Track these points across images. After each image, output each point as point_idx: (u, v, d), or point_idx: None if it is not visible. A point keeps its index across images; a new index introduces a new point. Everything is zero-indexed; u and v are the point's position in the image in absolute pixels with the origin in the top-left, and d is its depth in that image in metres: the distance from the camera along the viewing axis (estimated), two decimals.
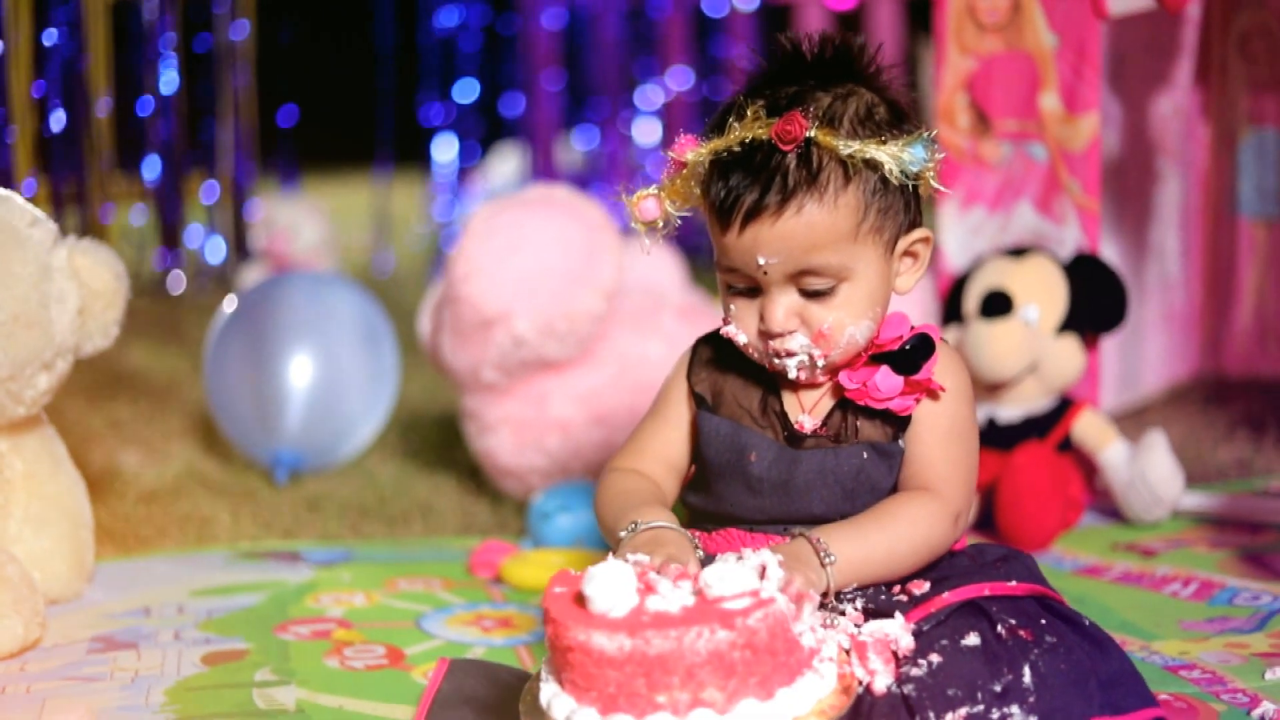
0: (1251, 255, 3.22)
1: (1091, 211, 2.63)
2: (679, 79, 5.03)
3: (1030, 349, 2.49)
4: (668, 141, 5.02)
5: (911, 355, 1.70)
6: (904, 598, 1.65)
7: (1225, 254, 3.27)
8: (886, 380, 1.69)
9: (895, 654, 1.58)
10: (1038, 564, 1.75)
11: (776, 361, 1.70)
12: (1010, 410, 2.53)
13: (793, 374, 1.70)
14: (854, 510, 1.72)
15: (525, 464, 2.62)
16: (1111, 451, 2.47)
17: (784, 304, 1.66)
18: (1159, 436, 2.46)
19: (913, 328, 1.73)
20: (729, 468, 1.75)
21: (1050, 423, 2.52)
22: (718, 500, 1.77)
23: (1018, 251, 2.57)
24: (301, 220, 4.89)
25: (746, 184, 1.63)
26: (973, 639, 1.58)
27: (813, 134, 1.62)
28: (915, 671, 1.55)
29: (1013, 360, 2.48)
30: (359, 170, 6.23)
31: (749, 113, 1.65)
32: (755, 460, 1.73)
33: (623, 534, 1.66)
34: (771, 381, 1.76)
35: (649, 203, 1.73)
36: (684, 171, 1.70)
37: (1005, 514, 2.35)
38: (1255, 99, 3.16)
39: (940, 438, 1.73)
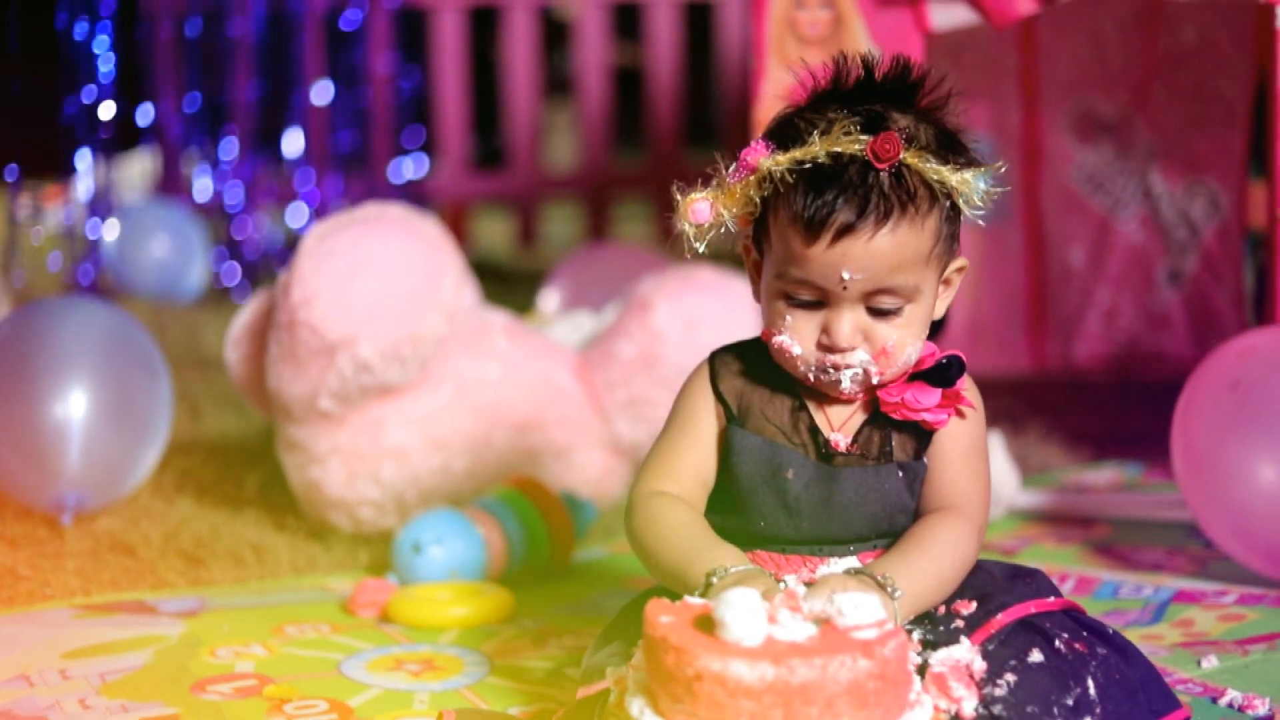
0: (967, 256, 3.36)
1: None
2: (320, 90, 4.88)
3: None
4: (312, 153, 4.89)
5: (947, 370, 1.70)
6: (960, 622, 1.65)
7: None
8: (924, 392, 1.69)
9: (972, 677, 1.59)
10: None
11: (826, 376, 1.67)
12: None
13: (845, 385, 1.67)
14: (892, 530, 1.71)
15: (356, 495, 2.49)
16: None
17: (852, 320, 1.64)
18: (995, 438, 2.54)
19: (935, 349, 1.74)
20: (764, 486, 1.71)
21: None
22: (749, 520, 1.73)
23: None
24: None
25: (843, 198, 1.60)
26: (1036, 656, 1.61)
27: (904, 155, 1.61)
28: (998, 692, 1.58)
29: None
30: None
31: (837, 127, 1.62)
32: (792, 478, 1.70)
33: (714, 580, 1.59)
34: (799, 396, 1.73)
35: (702, 205, 1.68)
36: (749, 178, 1.65)
37: None
38: (969, 108, 3.30)
39: (963, 455, 1.74)
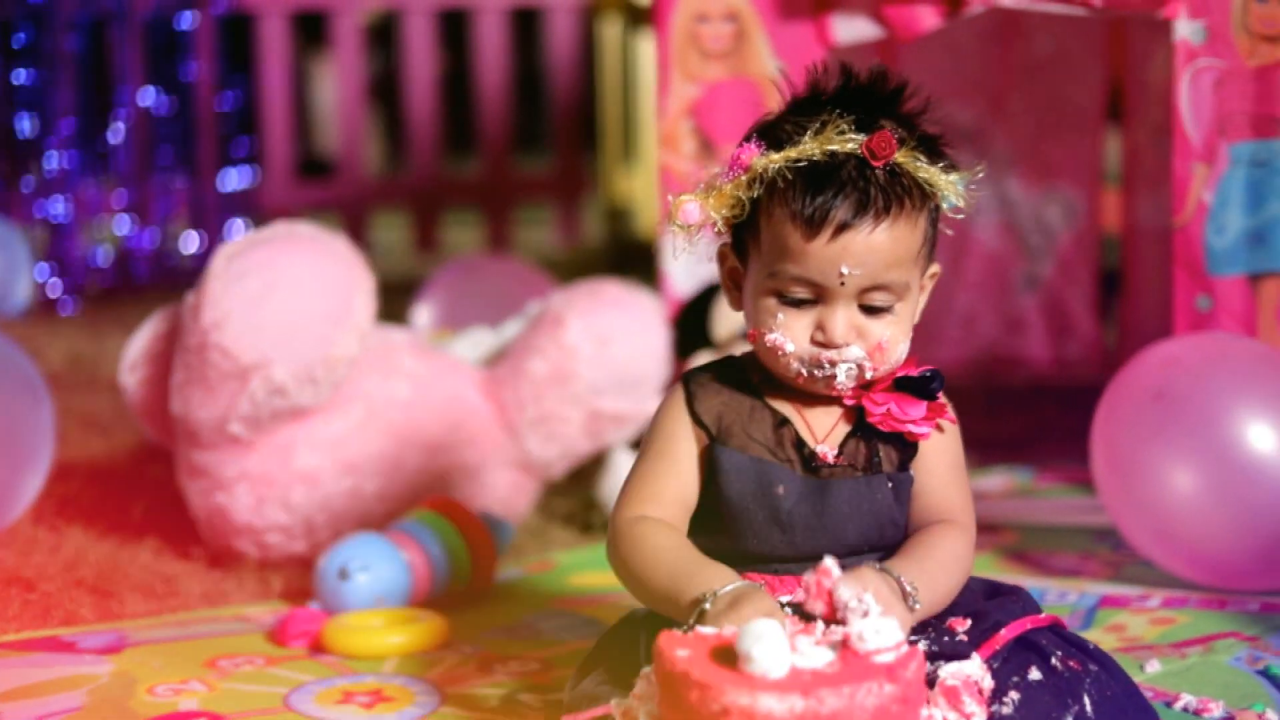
0: None
1: None
2: (144, 99, 4.76)
3: None
4: (136, 163, 4.75)
5: (930, 382, 1.72)
6: (964, 636, 1.66)
7: None
8: (909, 404, 1.71)
9: (981, 693, 1.60)
10: None
11: (820, 371, 1.68)
12: None
13: (841, 379, 1.68)
14: (882, 543, 1.72)
15: (264, 521, 2.43)
16: None
17: (847, 316, 1.66)
18: None
19: (914, 359, 1.76)
20: (754, 504, 1.71)
21: None
22: (738, 540, 1.72)
23: None
24: None
25: (842, 195, 1.62)
26: (1035, 674, 1.63)
27: (896, 155, 1.64)
28: (1005, 710, 1.59)
29: None
30: None
31: (830, 127, 1.64)
32: (784, 494, 1.70)
33: (707, 604, 1.58)
34: (780, 410, 1.73)
35: (691, 206, 1.69)
36: (740, 178, 1.67)
37: None
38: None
39: (950, 468, 1.77)
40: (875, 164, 1.63)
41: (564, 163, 5.56)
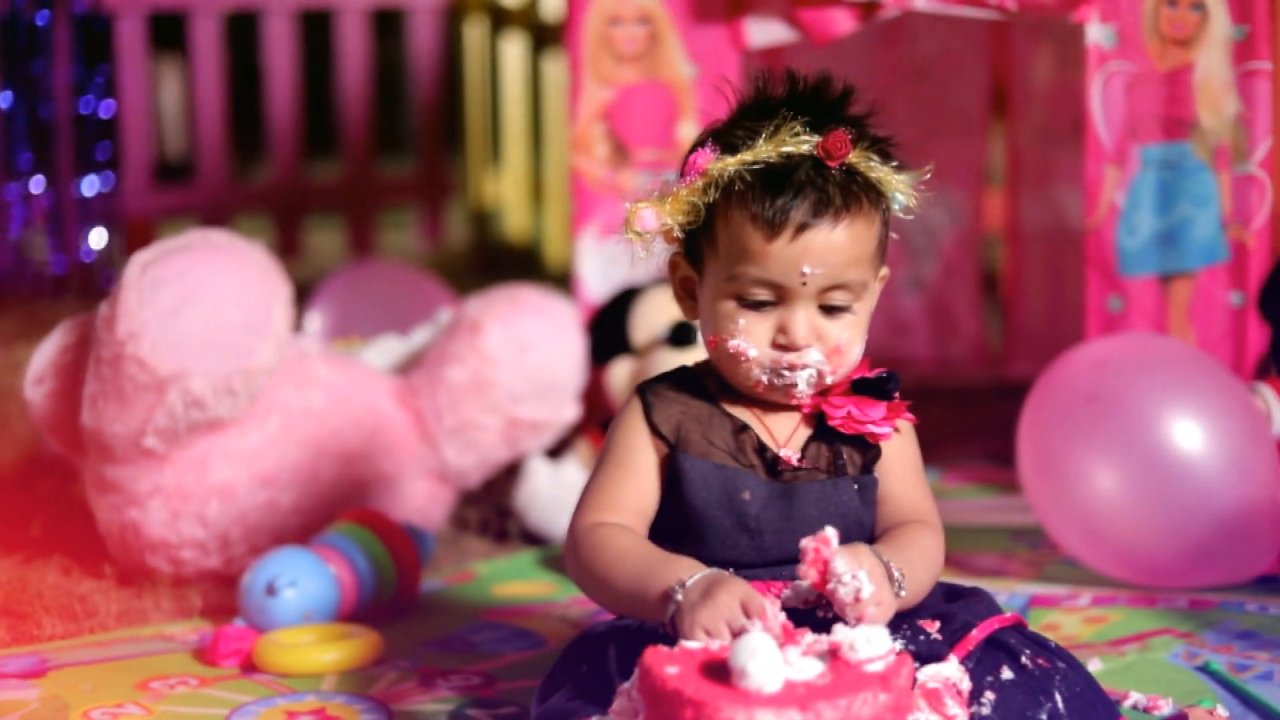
0: None
1: None
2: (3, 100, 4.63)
3: None
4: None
5: (886, 382, 1.73)
6: (938, 636, 1.66)
7: None
8: (869, 405, 1.71)
9: (961, 694, 1.60)
10: None
11: (780, 379, 1.67)
12: None
13: (800, 387, 1.68)
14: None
15: (179, 537, 2.37)
16: None
17: (807, 317, 1.66)
18: None
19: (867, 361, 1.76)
20: (719, 510, 1.69)
21: None
22: (704, 548, 1.70)
23: None
24: None
25: (801, 194, 1.63)
26: (1008, 673, 1.65)
27: (851, 155, 1.65)
28: (984, 711, 1.60)
29: None
30: None
31: (784, 129, 1.65)
32: (750, 499, 1.69)
33: (678, 595, 1.56)
34: (738, 416, 1.73)
35: (647, 213, 1.69)
36: (695, 183, 1.67)
37: None
38: None
39: (914, 470, 1.79)
40: (830, 164, 1.64)
41: (427, 165, 5.49)
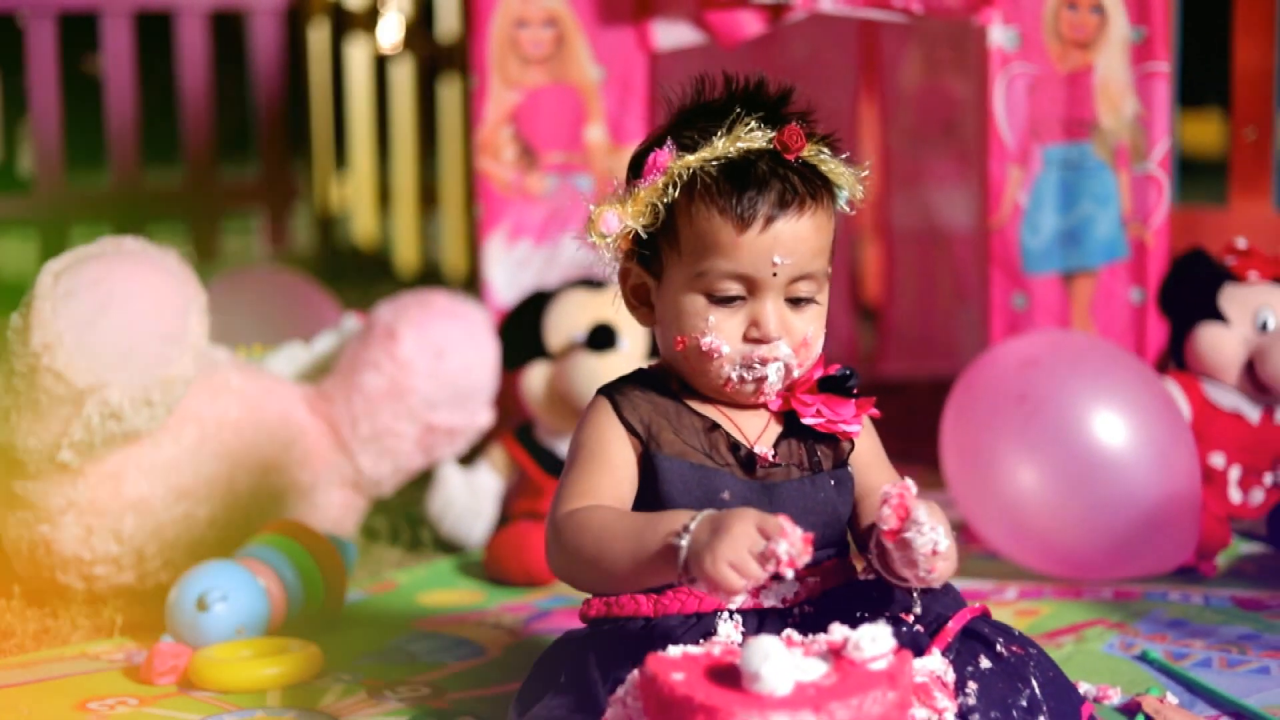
0: None
1: None
2: None
3: None
4: None
5: (848, 379, 1.75)
6: (920, 627, 1.68)
7: None
8: (837, 403, 1.73)
9: (947, 686, 1.62)
10: None
11: (750, 373, 1.68)
12: None
13: (771, 379, 1.69)
14: (830, 541, 1.73)
15: (93, 553, 2.30)
16: None
17: (777, 309, 1.68)
18: None
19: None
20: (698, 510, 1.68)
21: None
22: None
23: (592, 283, 2.59)
24: None
25: (766, 186, 1.65)
26: (985, 661, 1.67)
27: (804, 150, 1.68)
28: (969, 701, 1.62)
29: None
30: None
31: (739, 125, 1.66)
32: (730, 499, 1.68)
33: (684, 540, 1.52)
34: (707, 415, 1.73)
35: (610, 215, 1.69)
36: (655, 183, 1.68)
37: None
38: None
39: (883, 460, 1.82)
40: (788, 157, 1.66)
41: (271, 170, 5.41)
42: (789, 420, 1.74)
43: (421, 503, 2.65)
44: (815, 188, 1.67)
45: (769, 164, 1.66)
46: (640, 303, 1.77)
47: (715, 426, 1.72)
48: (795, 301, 1.69)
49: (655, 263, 1.73)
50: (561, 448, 2.57)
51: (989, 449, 2.28)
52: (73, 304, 2.21)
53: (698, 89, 1.75)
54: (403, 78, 5.35)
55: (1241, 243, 2.53)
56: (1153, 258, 2.58)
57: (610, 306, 2.52)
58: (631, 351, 2.54)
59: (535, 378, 2.56)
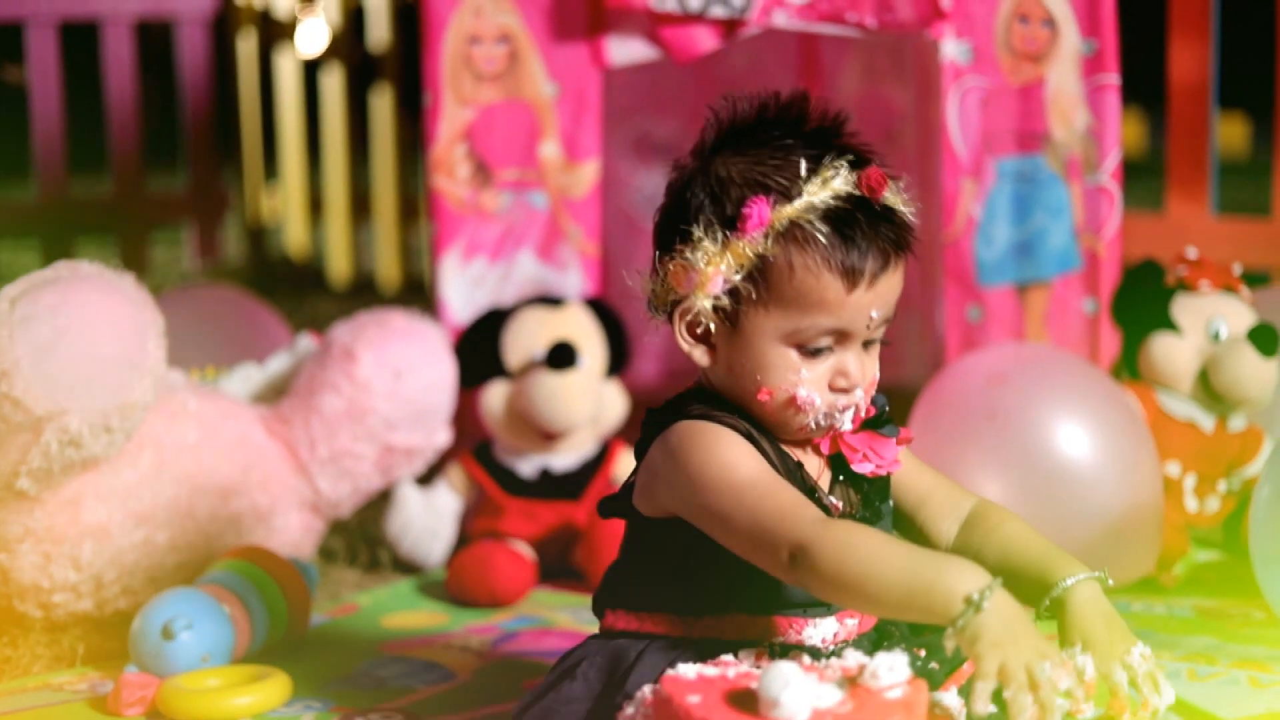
0: None
1: (593, 257, 2.69)
2: None
3: (596, 397, 2.52)
4: None
5: (887, 419, 1.73)
6: (935, 664, 1.66)
7: None
8: (881, 444, 1.70)
9: None
10: None
11: (826, 420, 1.65)
12: (565, 458, 2.56)
13: (845, 425, 1.67)
14: None
15: (51, 581, 2.27)
16: None
17: (859, 357, 1.66)
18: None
19: None
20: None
21: (597, 467, 2.57)
22: (751, 583, 1.64)
23: (551, 301, 2.58)
24: None
25: (870, 240, 1.60)
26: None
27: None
28: None
29: (586, 410, 2.51)
30: None
31: (825, 167, 1.61)
32: None
33: (978, 608, 1.47)
34: (789, 454, 1.69)
35: (719, 277, 1.61)
36: (759, 234, 1.60)
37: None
38: None
39: (918, 461, 1.83)
40: (875, 200, 1.61)
41: (200, 181, 5.36)
42: (835, 461, 1.71)
43: (379, 523, 2.63)
44: (905, 238, 1.64)
45: (865, 215, 1.60)
46: (699, 340, 1.68)
47: (800, 466, 1.68)
48: (868, 344, 1.67)
49: (730, 308, 1.64)
50: (521, 466, 2.56)
51: (955, 464, 2.29)
52: (30, 330, 2.17)
53: (732, 105, 1.69)
54: (332, 86, 5.32)
55: (1192, 252, 2.56)
56: (1105, 268, 2.61)
57: (569, 324, 2.54)
58: (591, 369, 2.54)
59: (494, 396, 2.55)
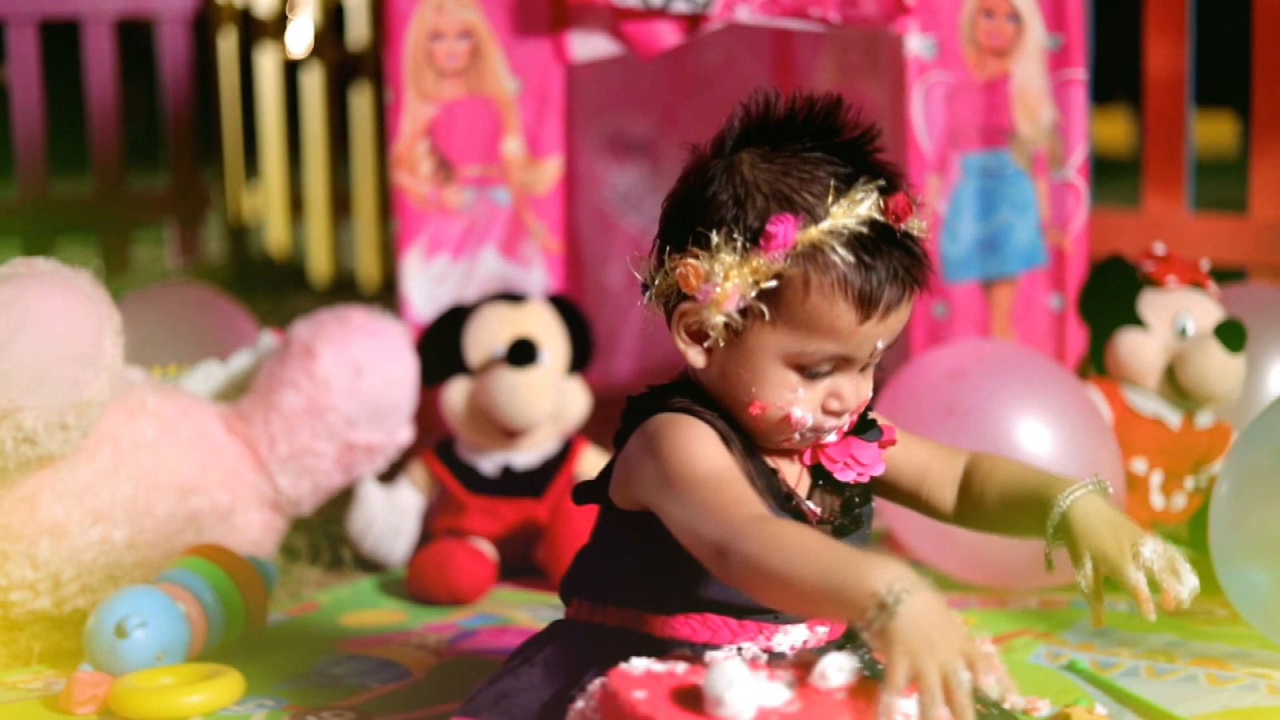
0: None
1: (556, 254, 2.68)
2: None
3: (557, 394, 2.51)
4: None
5: (872, 426, 1.72)
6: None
7: None
8: (862, 449, 1.69)
9: None
10: None
11: (812, 434, 1.64)
12: (527, 456, 2.55)
13: (831, 436, 1.66)
14: None
15: (8, 579, 2.26)
16: None
17: (855, 381, 1.64)
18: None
19: None
20: None
21: (559, 464, 2.56)
22: (707, 583, 1.62)
23: (513, 298, 2.57)
24: None
25: (889, 271, 1.57)
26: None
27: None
28: None
29: (547, 406, 2.49)
30: None
31: (856, 188, 1.57)
32: None
33: (894, 607, 1.39)
34: (764, 459, 1.67)
35: (736, 294, 1.56)
36: (782, 253, 1.56)
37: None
38: None
39: (909, 435, 1.81)
40: (897, 227, 1.58)
41: (181, 179, 5.34)
42: (817, 467, 1.69)
43: (341, 521, 2.62)
44: (922, 272, 1.61)
45: (886, 246, 1.57)
46: (696, 342, 1.64)
47: (774, 473, 1.66)
48: (864, 366, 1.65)
49: (741, 317, 1.60)
50: (483, 464, 2.55)
51: None
52: None
53: (759, 104, 1.67)
54: (313, 85, 5.31)
55: (1159, 248, 2.54)
56: (1072, 264, 2.59)
57: (530, 320, 2.53)
58: (552, 365, 2.52)
59: (455, 393, 2.54)
